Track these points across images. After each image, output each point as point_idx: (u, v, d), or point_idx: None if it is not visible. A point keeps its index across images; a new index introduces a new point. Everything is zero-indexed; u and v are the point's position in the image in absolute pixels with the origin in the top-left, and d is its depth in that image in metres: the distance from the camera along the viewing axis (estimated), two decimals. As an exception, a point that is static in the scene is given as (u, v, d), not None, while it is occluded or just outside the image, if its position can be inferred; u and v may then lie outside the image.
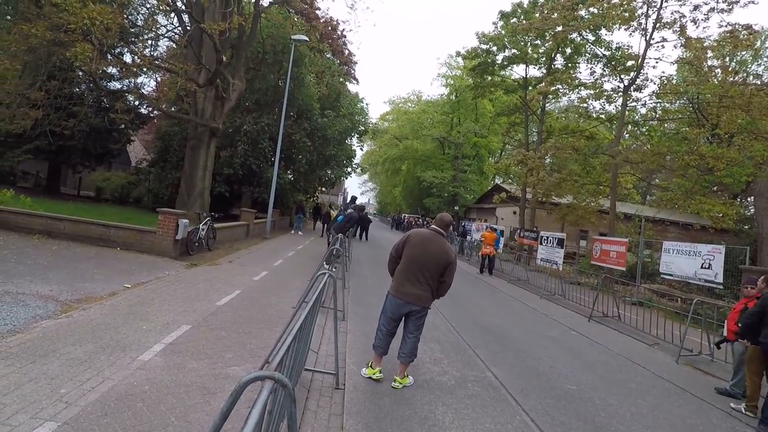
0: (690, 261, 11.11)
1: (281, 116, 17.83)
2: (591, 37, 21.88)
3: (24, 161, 19.59)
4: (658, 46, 17.06)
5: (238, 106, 19.57)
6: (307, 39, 17.76)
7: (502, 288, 13.55)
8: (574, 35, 21.76)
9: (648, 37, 16.95)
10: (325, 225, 21.34)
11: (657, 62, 23.95)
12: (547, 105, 27.85)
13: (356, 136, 27.53)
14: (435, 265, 4.32)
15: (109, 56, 16.28)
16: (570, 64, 24.69)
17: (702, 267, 10.78)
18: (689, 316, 7.53)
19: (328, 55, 26.71)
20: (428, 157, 50.39)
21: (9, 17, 13.35)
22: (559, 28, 20.24)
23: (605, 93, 19.10)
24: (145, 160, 24.50)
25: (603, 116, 23.44)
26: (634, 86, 17.67)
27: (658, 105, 18.16)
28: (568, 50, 24.01)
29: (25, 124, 11.18)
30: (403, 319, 4.51)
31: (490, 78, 28.71)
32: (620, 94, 18.09)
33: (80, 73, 18.56)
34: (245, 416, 1.34)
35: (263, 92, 22.29)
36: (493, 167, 33.67)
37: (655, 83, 17.22)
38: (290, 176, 24.67)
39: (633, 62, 18.81)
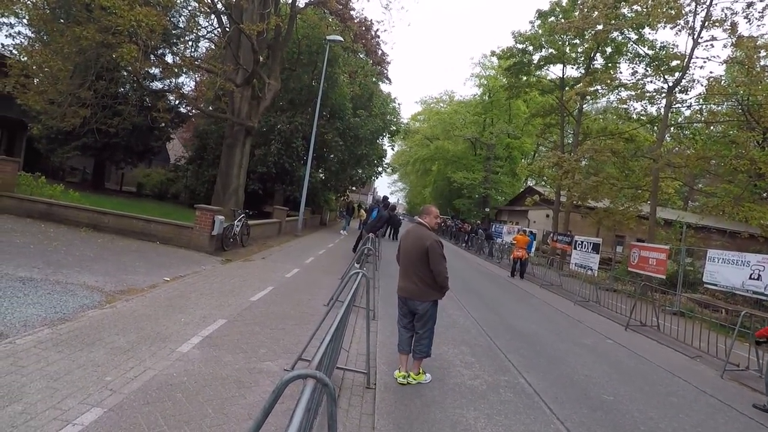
0: (737, 271, 10.54)
1: (315, 116, 18.06)
2: (633, 36, 21.10)
3: (72, 157, 20.63)
4: (706, 45, 16.22)
5: (272, 105, 19.95)
6: (341, 39, 17.92)
7: (534, 292, 13.25)
8: (616, 34, 21.03)
9: (696, 36, 16.16)
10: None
11: (705, 62, 22.76)
12: (584, 106, 27.05)
13: (388, 136, 27.55)
14: (415, 254, 4.27)
15: (152, 57, 16.97)
16: (610, 64, 23.89)
17: (750, 278, 10.20)
18: (736, 329, 7.13)
19: (361, 55, 26.87)
20: (459, 157, 49.89)
21: (62, 20, 14.08)
22: (600, 27, 19.59)
23: (647, 94, 18.34)
24: (183, 157, 25.35)
25: (644, 118, 22.54)
26: (679, 87, 16.89)
27: (704, 107, 17.29)
28: (609, 50, 23.24)
29: (74, 122, 11.79)
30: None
31: (525, 78, 28.13)
32: (664, 95, 17.33)
33: (125, 74, 19.42)
34: (276, 411, 1.35)
35: (297, 92, 22.64)
36: (526, 169, 32.86)
37: (702, 84, 16.43)
38: (321, 175, 24.97)
39: (678, 62, 17.98)
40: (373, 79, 26.71)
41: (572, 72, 26.85)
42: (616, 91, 22.46)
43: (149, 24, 8.78)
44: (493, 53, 28.86)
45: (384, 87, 31.36)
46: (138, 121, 19.35)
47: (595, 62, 24.71)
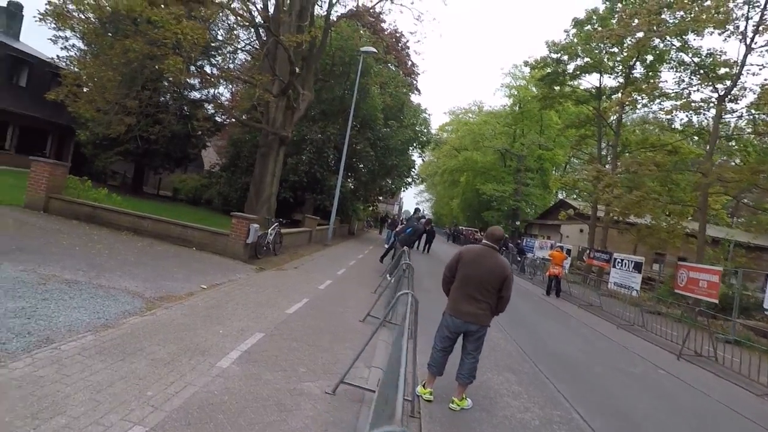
0: (801, 297, 9.76)
1: (347, 126, 18.10)
2: (676, 43, 20.29)
3: (114, 162, 21.40)
4: (761, 51, 15.35)
5: (305, 116, 20.16)
6: (375, 50, 17.99)
7: (572, 313, 12.69)
8: (657, 41, 20.26)
9: (748, 42, 15.33)
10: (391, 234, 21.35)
11: (761, 69, 21.45)
12: (622, 117, 26.12)
13: (418, 147, 27.39)
14: (492, 281, 4.14)
15: (192, 68, 17.45)
16: (650, 73, 23.04)
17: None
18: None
19: (391, 66, 26.92)
20: (488, 169, 49.16)
21: (110, 34, 14.66)
22: (641, 34, 18.93)
23: (694, 104, 17.51)
24: (217, 164, 25.92)
25: (689, 129, 21.53)
26: (730, 96, 16.02)
27: (758, 116, 16.31)
28: (650, 58, 22.40)
29: (120, 130, 12.16)
30: (461, 338, 4.34)
31: (559, 88, 27.50)
32: (712, 105, 16.49)
33: (166, 84, 20.05)
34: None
35: (329, 103, 22.83)
36: (559, 182, 32.00)
37: (754, 92, 15.51)
38: (351, 185, 25.01)
39: (727, 70, 17.13)
40: (404, 90, 26.69)
41: (610, 81, 26.06)
42: (658, 101, 21.57)
43: (193, 37, 8.96)
44: (526, 63, 28.37)
45: (414, 98, 31.38)
46: (177, 129, 19.90)
47: (635, 71, 23.90)
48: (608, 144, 27.07)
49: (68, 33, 12.70)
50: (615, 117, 23.25)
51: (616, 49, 23.47)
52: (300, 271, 10.42)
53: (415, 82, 31.98)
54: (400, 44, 29.16)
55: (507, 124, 48.69)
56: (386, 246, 18.72)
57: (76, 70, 11.65)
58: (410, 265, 7.10)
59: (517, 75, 49.11)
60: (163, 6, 9.30)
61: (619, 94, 24.31)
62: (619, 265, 19.79)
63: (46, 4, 8.83)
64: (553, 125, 45.19)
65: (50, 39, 12.95)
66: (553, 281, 16.07)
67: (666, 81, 28.53)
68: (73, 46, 16.33)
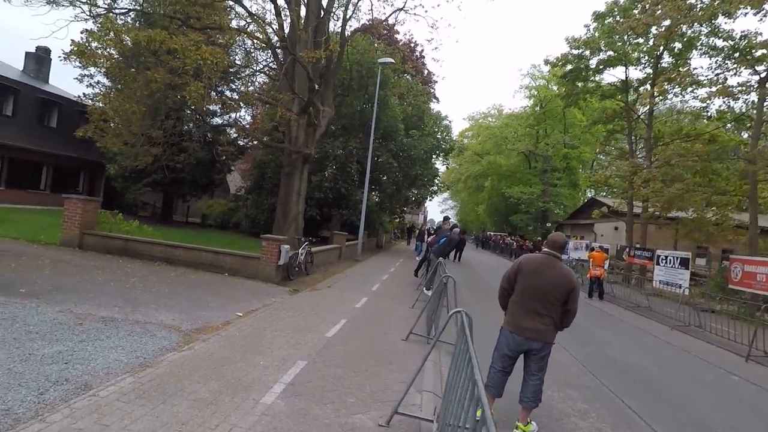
0: None
1: (369, 139, 17.95)
2: (705, 29, 19.39)
3: (144, 193, 21.91)
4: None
5: (326, 132, 20.17)
6: (393, 61, 17.87)
7: (620, 315, 11.98)
8: (685, 28, 19.39)
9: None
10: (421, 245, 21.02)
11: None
12: (644, 110, 25.08)
13: (441, 154, 27.04)
14: (556, 293, 3.76)
15: (213, 94, 17.72)
16: (679, 61, 22.08)
17: None
18: None
19: (408, 77, 26.81)
20: (513, 172, 48.25)
21: (133, 68, 15.06)
22: (667, 22, 18.16)
23: (731, 89, 16.56)
24: (242, 187, 26.21)
25: (726, 116, 20.42)
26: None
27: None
28: (678, 45, 21.49)
29: (146, 161, 12.34)
30: (523, 357, 3.94)
31: (582, 84, 26.73)
32: (752, 88, 15.55)
33: (188, 112, 20.46)
34: None
35: (350, 117, 22.82)
36: (589, 180, 30.93)
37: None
38: (376, 198, 24.82)
39: (765, 51, 16.16)
40: (423, 99, 26.49)
41: (636, 73, 25.20)
42: (690, 89, 20.57)
43: (213, 61, 8.98)
44: (546, 62, 27.72)
45: (432, 106, 31.13)
46: (201, 156, 20.24)
47: (662, 61, 22.97)
48: (638, 137, 26.07)
49: (93, 70, 13.06)
50: (646, 109, 22.30)
51: (641, 40, 22.69)
52: (334, 289, 10.17)
53: (432, 90, 31.79)
54: (415, 54, 29.11)
55: (529, 125, 47.74)
56: (418, 258, 18.30)
57: (101, 105, 11.90)
58: (451, 277, 6.73)
59: (536, 75, 48.37)
60: (182, 35, 9.37)
61: (648, 86, 23.48)
62: (663, 261, 18.76)
63: (70, 45, 9.03)
64: (578, 123, 44.08)
65: (76, 78, 13.34)
66: (595, 283, 15.35)
67: (698, 68, 27.33)
68: (98, 82, 16.87)
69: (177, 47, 8.88)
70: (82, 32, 9.15)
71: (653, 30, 19.49)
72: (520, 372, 3.97)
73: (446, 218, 13.37)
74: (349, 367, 4.90)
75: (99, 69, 12.39)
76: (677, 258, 17.89)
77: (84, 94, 15.77)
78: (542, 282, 3.79)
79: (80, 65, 10.74)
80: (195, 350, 4.81)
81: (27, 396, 3.29)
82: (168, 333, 5.24)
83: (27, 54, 21.64)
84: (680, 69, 20.33)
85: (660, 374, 6.52)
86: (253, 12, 11.67)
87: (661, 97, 22.37)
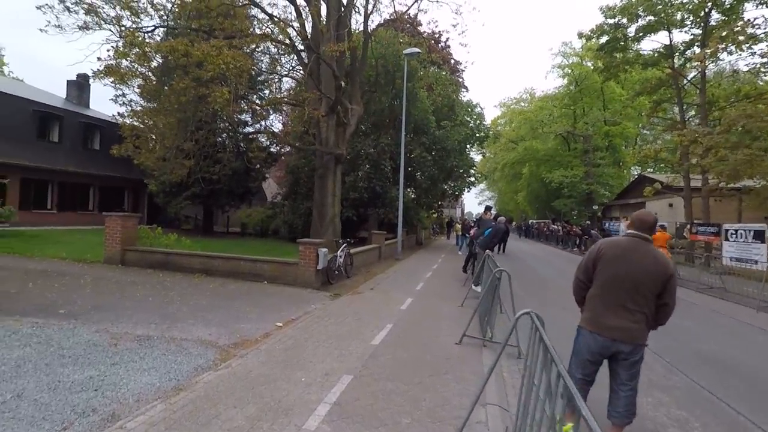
0: None
1: (400, 135, 17.37)
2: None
3: (184, 207, 22.37)
4: None
5: (356, 131, 19.81)
6: (419, 51, 17.19)
7: (692, 299, 10.85)
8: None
9: None
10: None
11: None
12: (695, 74, 23.06)
13: (476, 143, 26.08)
14: (649, 283, 3.05)
15: (242, 102, 17.73)
16: (732, 15, 20.10)
17: None
18: None
19: (433, 68, 26.05)
20: (551, 156, 46.26)
21: (166, 87, 15.25)
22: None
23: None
24: (279, 194, 26.31)
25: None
26: None
27: None
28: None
29: (181, 173, 12.38)
30: (608, 362, 3.26)
31: (620, 55, 25.03)
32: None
33: (221, 125, 20.66)
34: None
35: (379, 114, 22.35)
36: (637, 156, 28.91)
37: None
38: (412, 194, 24.22)
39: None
40: (452, 88, 25.62)
41: (681, 36, 23.29)
42: (746, 45, 18.62)
43: (236, 65, 8.74)
44: (580, 35, 26.07)
45: (462, 96, 30.17)
46: (236, 166, 20.39)
47: (711, 18, 21.00)
48: (688, 105, 24.07)
49: (126, 90, 13.24)
50: (697, 73, 20.46)
51: (678, 1, 20.93)
52: (377, 291, 9.70)
53: (461, 79, 30.81)
54: (440, 44, 28.25)
55: (565, 105, 45.58)
56: (459, 252, 17.55)
57: (131, 122, 12.05)
58: (504, 271, 6.07)
59: (568, 53, 46.14)
60: (205, 43, 9.20)
61: (695, 49, 21.64)
62: (733, 236, 17.12)
63: (97, 61, 9.04)
64: (617, 98, 41.68)
65: (111, 99, 13.56)
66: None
67: (756, 18, 24.84)
68: (131, 101, 17.23)
69: (199, 54, 8.68)
70: (108, 50, 9.18)
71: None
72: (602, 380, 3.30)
73: (488, 208, 12.57)
74: (399, 380, 4.38)
75: (130, 87, 12.57)
76: (750, 231, 16.22)
77: (118, 113, 16.28)
78: (631, 270, 3.10)
79: (111, 83, 10.83)
80: (232, 368, 4.44)
81: (49, 433, 2.99)
82: (204, 350, 4.91)
83: (69, 82, 22.64)
84: (734, 25, 18.51)
85: (762, 366, 5.59)
86: (274, 15, 11.35)
87: (713, 59, 20.47)
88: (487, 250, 9.51)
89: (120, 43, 9.52)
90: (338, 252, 10.88)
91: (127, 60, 9.44)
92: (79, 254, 10.95)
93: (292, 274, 9.51)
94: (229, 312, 6.73)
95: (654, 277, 3.05)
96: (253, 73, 15.67)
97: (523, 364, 5.31)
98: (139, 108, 12.20)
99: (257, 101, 14.12)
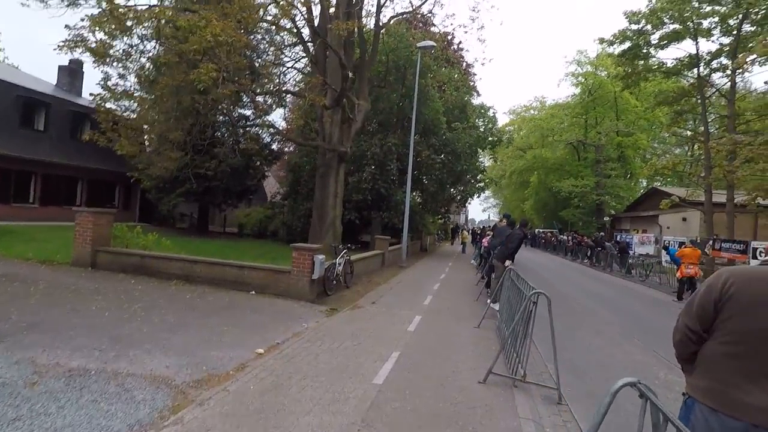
0: None
1: (410, 134, 16.19)
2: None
3: (178, 204, 21.20)
4: None
5: (363, 129, 18.67)
6: (434, 44, 16.02)
7: None
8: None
9: None
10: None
11: None
12: (724, 83, 21.89)
13: (488, 147, 24.92)
14: None
15: (243, 96, 16.59)
16: (766, 24, 18.93)
17: None
18: None
19: (444, 69, 24.99)
20: (561, 164, 45.27)
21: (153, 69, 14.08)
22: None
23: None
24: (278, 193, 25.16)
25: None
26: None
27: None
28: (764, 10, 18.40)
29: (168, 166, 11.17)
30: None
31: (643, 63, 23.94)
32: None
33: (221, 118, 19.52)
34: None
35: (387, 113, 21.21)
36: (654, 167, 27.67)
37: None
38: (418, 198, 23.04)
39: None
40: (465, 89, 24.49)
41: (707, 45, 22.15)
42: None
43: (227, 40, 7.58)
44: (602, 40, 24.87)
45: (473, 100, 29.08)
46: (234, 162, 19.25)
47: (744, 28, 19.83)
48: (716, 116, 22.92)
49: (120, 80, 11.94)
50: (727, 83, 19.26)
51: (709, 8, 19.86)
52: (380, 306, 8.48)
53: (472, 83, 29.72)
54: (452, 46, 27.16)
55: (577, 114, 44.50)
56: (474, 262, 16.32)
57: (109, 106, 10.86)
58: (543, 294, 4.83)
59: (582, 61, 45.13)
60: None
61: (722, 59, 20.54)
62: (762, 254, 15.95)
63: (65, 29, 7.92)
64: (631, 108, 40.66)
65: (98, 84, 12.40)
66: (686, 284, 12.91)
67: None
68: (116, 84, 15.97)
69: (184, 24, 7.53)
70: (82, 19, 8.01)
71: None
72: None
73: (507, 216, 11.35)
74: (414, 449, 3.16)
75: (122, 70, 11.28)
76: (782, 250, 15.06)
77: (91, 94, 13.85)
78: None
79: (94, 63, 9.66)
80: (183, 425, 3.22)
81: None
82: (153, 392, 3.70)
83: (60, 68, 21.52)
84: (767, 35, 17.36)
85: None
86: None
87: (742, 70, 19.30)
88: (508, 263, 8.31)
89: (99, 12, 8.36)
90: (337, 259, 9.67)
91: (103, 31, 8.26)
92: (48, 255, 9.76)
93: (284, 284, 8.31)
94: (201, 333, 5.52)
95: None
96: (253, 57, 14.48)
97: (569, 414, 4.08)
98: (121, 90, 10.97)
99: (257, 91, 12.88)
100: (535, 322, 4.86)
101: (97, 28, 7.97)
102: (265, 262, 10.60)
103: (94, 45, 8.36)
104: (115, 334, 5.03)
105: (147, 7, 8.00)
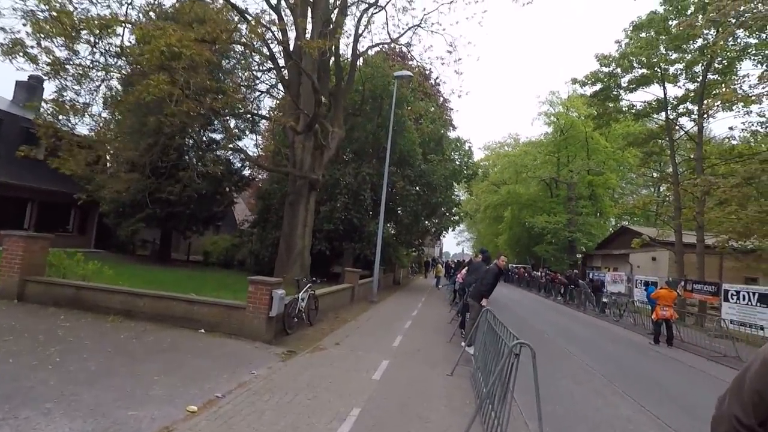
0: None
1: (385, 164, 15.81)
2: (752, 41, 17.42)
3: (139, 230, 19.90)
4: None
5: (337, 158, 18.22)
6: (410, 74, 15.95)
7: (707, 370, 9.39)
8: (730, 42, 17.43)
9: None
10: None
11: None
12: (691, 127, 22.77)
13: (464, 180, 24.86)
14: None
15: (213, 118, 15.95)
16: (726, 77, 19.87)
17: None
18: None
19: (420, 102, 25.18)
20: (534, 200, 45.99)
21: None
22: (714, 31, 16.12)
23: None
24: (246, 221, 24.17)
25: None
26: None
27: None
28: (729, 55, 19.34)
29: (120, 188, 10.29)
30: None
31: (613, 105, 24.76)
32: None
33: (188, 141, 18.75)
34: None
35: (362, 142, 20.90)
36: (622, 206, 28.19)
37: None
38: (392, 229, 22.51)
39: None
40: (441, 122, 24.60)
41: (674, 90, 23.03)
42: (738, 105, 18.16)
43: (186, 53, 6.97)
44: (574, 80, 25.65)
45: (450, 134, 29.33)
46: (201, 187, 18.33)
47: (709, 74, 20.76)
48: (685, 158, 23.69)
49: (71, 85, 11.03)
50: (694, 126, 19.92)
51: (675, 55, 20.86)
52: (344, 348, 7.69)
53: (448, 117, 30.04)
54: (429, 81, 27.53)
55: (549, 152, 45.71)
56: (448, 299, 15.70)
57: (52, 119, 9.92)
58: (527, 346, 4.23)
59: (554, 101, 46.81)
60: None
61: (688, 104, 21.41)
62: (734, 298, 15.94)
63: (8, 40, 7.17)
64: (601, 149, 42.07)
65: (51, 98, 11.44)
66: (662, 326, 12.63)
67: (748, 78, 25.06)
68: (71, 100, 14.97)
69: (137, 33, 6.92)
70: (24, 23, 7.26)
71: (692, 45, 17.42)
72: None
73: (483, 251, 10.89)
74: None
75: (58, 77, 10.35)
76: (755, 294, 15.06)
77: (25, 104, 12.15)
78: None
79: (45, 75, 8.88)
80: None
81: None
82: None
83: (17, 83, 20.37)
84: (727, 84, 18.17)
85: None
86: (248, 14, 9.76)
87: (708, 116, 20.04)
88: (484, 302, 7.73)
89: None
90: (300, 293, 8.89)
91: (47, 37, 7.49)
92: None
93: (238, 322, 7.44)
94: (125, 384, 4.62)
95: None
96: (224, 79, 13.95)
97: None
98: (76, 105, 10.05)
99: (225, 111, 12.24)
100: (514, 370, 4.24)
101: (40, 34, 7.23)
102: (225, 294, 9.71)
103: (36, 52, 7.60)
104: (12, 389, 4.09)
105: (96, 14, 7.39)
